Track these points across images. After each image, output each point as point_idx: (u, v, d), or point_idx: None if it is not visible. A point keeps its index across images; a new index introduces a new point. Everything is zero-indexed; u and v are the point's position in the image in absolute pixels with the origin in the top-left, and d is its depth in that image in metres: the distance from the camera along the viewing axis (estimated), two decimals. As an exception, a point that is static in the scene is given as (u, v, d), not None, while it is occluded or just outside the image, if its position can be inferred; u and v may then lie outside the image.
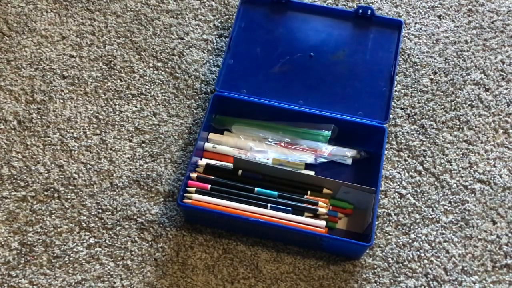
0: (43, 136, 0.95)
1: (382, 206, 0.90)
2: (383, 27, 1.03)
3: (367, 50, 1.01)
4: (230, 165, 0.89)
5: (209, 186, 0.86)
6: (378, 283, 0.84)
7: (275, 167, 0.88)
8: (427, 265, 0.85)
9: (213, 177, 0.88)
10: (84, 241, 0.86)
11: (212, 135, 0.94)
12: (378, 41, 1.02)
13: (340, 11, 1.05)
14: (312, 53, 1.01)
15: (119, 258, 0.85)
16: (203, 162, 0.90)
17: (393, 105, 0.99)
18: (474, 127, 0.97)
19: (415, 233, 0.87)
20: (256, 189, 0.87)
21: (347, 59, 1.01)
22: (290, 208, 0.85)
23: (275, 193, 0.86)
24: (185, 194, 0.86)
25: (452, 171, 0.93)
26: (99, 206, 0.89)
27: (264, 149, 0.92)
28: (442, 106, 0.99)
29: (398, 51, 0.99)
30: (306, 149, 0.92)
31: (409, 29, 1.08)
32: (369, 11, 1.02)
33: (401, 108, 0.99)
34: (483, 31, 1.08)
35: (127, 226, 0.87)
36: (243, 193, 0.86)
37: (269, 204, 0.84)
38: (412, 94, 1.01)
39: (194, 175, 0.88)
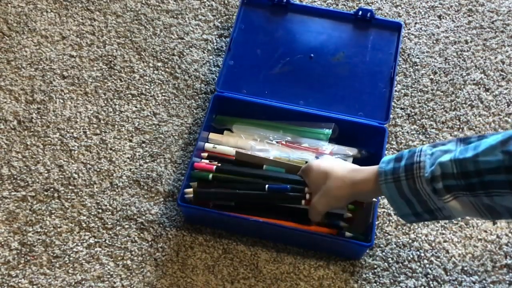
0: (43, 136, 0.95)
1: (382, 206, 0.90)
2: (383, 29, 1.03)
3: (367, 51, 1.01)
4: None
5: (214, 167, 0.86)
6: (378, 283, 0.84)
7: (277, 161, 0.88)
8: (427, 265, 0.85)
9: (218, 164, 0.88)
10: (84, 241, 0.86)
11: (212, 135, 0.94)
12: (378, 43, 1.02)
13: (340, 13, 1.05)
14: (312, 55, 1.01)
15: (119, 258, 0.85)
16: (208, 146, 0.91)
17: (393, 105, 0.99)
18: (474, 127, 0.97)
19: (415, 233, 0.87)
20: (264, 166, 0.87)
21: (347, 60, 1.01)
22: (287, 186, 0.83)
23: (282, 170, 0.86)
24: (185, 190, 0.85)
25: (452, 171, 0.93)
26: (99, 206, 0.89)
27: (265, 148, 0.92)
28: (442, 106, 1.00)
29: (398, 53, 1.00)
30: (307, 147, 0.92)
31: (409, 29, 1.08)
32: (369, 14, 1.02)
33: (401, 108, 0.99)
34: (483, 31, 1.08)
35: (127, 226, 0.87)
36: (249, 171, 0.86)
37: (267, 185, 0.83)
38: (412, 94, 1.01)
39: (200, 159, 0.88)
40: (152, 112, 0.98)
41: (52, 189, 0.90)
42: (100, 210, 0.89)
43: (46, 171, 0.92)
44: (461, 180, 0.62)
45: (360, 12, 1.03)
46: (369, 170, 0.72)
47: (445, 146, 0.66)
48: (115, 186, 0.91)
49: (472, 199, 0.63)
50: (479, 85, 1.02)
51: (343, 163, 0.78)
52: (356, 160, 0.93)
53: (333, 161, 0.79)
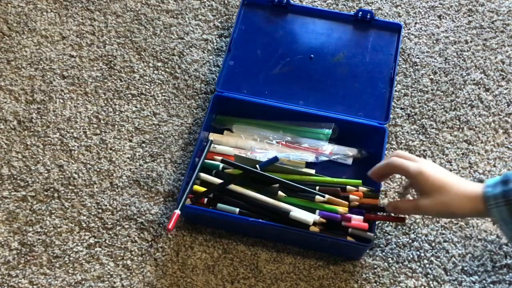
0: (43, 136, 0.95)
1: (382, 206, 0.90)
2: (383, 30, 1.03)
3: (366, 52, 1.02)
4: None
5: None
6: (378, 283, 0.84)
7: (277, 165, 0.88)
8: (427, 265, 0.85)
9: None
10: (84, 241, 0.86)
11: (212, 135, 0.94)
12: (377, 43, 1.02)
13: (340, 14, 1.05)
14: (312, 55, 1.01)
15: (119, 258, 0.85)
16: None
17: (393, 105, 0.99)
18: (474, 127, 0.97)
19: (415, 233, 0.87)
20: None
21: (347, 61, 1.01)
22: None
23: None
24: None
25: (452, 171, 0.93)
26: (99, 206, 0.89)
27: (265, 148, 0.92)
28: (442, 106, 1.00)
29: (398, 54, 1.00)
30: (307, 148, 0.92)
31: (409, 29, 1.08)
32: (369, 15, 1.02)
33: (401, 108, 0.99)
34: (483, 31, 1.08)
35: (127, 226, 0.87)
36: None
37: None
38: (412, 94, 1.01)
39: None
40: (152, 112, 0.98)
41: (52, 189, 0.90)
42: (100, 210, 0.89)
43: (46, 171, 0.92)
44: None
45: (360, 13, 1.03)
46: (471, 194, 0.71)
47: None
48: (115, 186, 0.91)
49: None
50: (479, 85, 1.02)
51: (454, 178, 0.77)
52: (356, 161, 0.93)
53: (446, 173, 0.78)
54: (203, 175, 0.88)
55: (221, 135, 0.94)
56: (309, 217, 0.81)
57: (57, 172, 0.92)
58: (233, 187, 0.86)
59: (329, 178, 0.88)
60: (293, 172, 0.88)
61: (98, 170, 0.92)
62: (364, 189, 0.85)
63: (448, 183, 0.74)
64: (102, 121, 0.97)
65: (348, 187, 0.85)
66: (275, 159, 0.86)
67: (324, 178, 0.88)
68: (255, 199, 0.85)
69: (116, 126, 0.96)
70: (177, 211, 0.81)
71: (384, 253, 0.86)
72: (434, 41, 1.07)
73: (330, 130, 0.93)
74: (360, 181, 0.86)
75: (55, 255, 0.85)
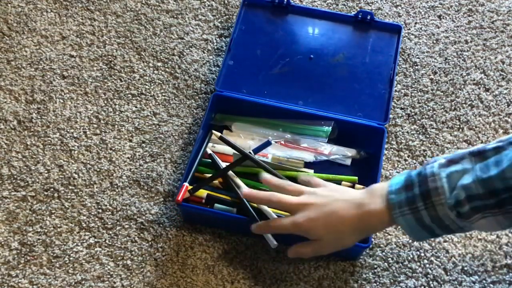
0: (43, 136, 0.95)
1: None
2: (383, 31, 1.03)
3: (366, 53, 1.02)
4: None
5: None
6: (378, 283, 0.84)
7: (275, 164, 0.89)
8: (427, 265, 0.85)
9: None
10: (84, 241, 0.86)
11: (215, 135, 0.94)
12: (377, 45, 1.02)
13: (340, 15, 1.06)
14: (312, 56, 1.01)
15: (119, 258, 0.85)
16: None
17: (393, 105, 0.99)
18: (474, 127, 0.97)
19: (415, 233, 0.87)
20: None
21: (347, 62, 1.01)
22: None
23: None
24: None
25: (452, 171, 0.93)
26: (99, 206, 0.89)
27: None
28: (442, 106, 1.00)
29: (398, 55, 1.00)
30: (306, 148, 0.92)
31: (409, 29, 1.08)
32: (369, 16, 1.03)
33: (401, 108, 0.99)
34: (483, 31, 1.08)
35: (127, 226, 0.87)
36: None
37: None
38: (412, 94, 1.01)
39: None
40: (152, 112, 0.98)
41: (52, 189, 0.90)
42: (100, 210, 0.89)
43: (46, 171, 0.92)
44: (490, 200, 0.61)
45: (360, 15, 1.03)
46: (376, 201, 0.69)
47: (459, 164, 0.63)
48: (115, 186, 0.91)
49: (501, 216, 0.61)
50: (479, 85, 1.02)
51: (345, 198, 0.73)
52: (355, 161, 0.93)
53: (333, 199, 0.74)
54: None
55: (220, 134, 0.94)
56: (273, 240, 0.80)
57: (57, 172, 0.92)
58: (230, 182, 0.87)
59: (325, 174, 0.88)
60: (290, 169, 0.89)
61: (98, 170, 0.92)
62: (360, 186, 0.85)
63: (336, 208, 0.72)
64: (102, 121, 0.97)
65: (343, 183, 0.85)
66: (268, 143, 0.87)
67: (320, 175, 0.88)
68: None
69: (116, 126, 0.96)
70: (186, 184, 0.83)
71: (384, 253, 0.86)
72: (434, 41, 1.07)
73: (330, 128, 0.93)
74: (356, 178, 0.86)
75: (55, 255, 0.85)
